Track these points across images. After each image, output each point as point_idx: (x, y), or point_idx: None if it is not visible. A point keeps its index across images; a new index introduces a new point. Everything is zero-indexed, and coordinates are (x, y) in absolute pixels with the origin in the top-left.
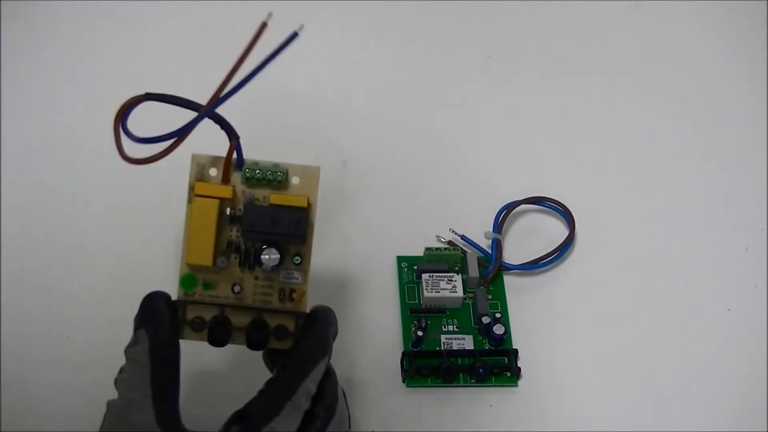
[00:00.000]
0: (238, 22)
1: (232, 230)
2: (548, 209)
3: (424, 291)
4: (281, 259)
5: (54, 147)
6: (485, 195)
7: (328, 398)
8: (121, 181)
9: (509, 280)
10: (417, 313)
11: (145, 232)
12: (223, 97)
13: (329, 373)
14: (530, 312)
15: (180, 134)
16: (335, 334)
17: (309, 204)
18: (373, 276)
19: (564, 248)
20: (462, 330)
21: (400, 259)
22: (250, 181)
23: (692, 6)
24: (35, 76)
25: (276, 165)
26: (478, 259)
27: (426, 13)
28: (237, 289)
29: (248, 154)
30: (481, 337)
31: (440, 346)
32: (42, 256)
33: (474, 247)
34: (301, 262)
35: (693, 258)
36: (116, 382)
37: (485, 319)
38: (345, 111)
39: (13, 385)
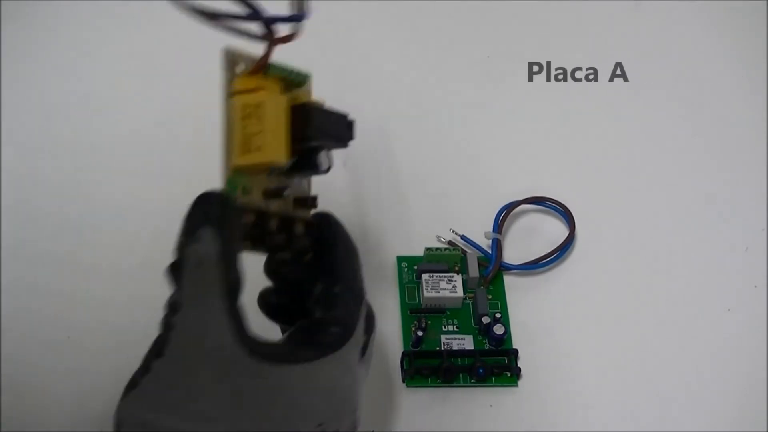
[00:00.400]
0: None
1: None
2: (548, 209)
3: (424, 291)
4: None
5: (54, 147)
6: (485, 195)
7: (345, 273)
8: (123, 181)
9: (509, 280)
10: (417, 313)
11: (146, 233)
12: None
13: (336, 234)
14: (530, 312)
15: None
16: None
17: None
18: (373, 276)
19: (564, 248)
20: (462, 330)
21: (400, 259)
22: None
23: (692, 6)
24: (35, 76)
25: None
26: (478, 259)
27: (426, 13)
28: (286, 192)
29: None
30: (481, 337)
31: (440, 346)
32: (42, 256)
33: (474, 247)
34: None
35: (693, 258)
36: (171, 296)
37: (485, 319)
38: (345, 111)
39: (14, 385)
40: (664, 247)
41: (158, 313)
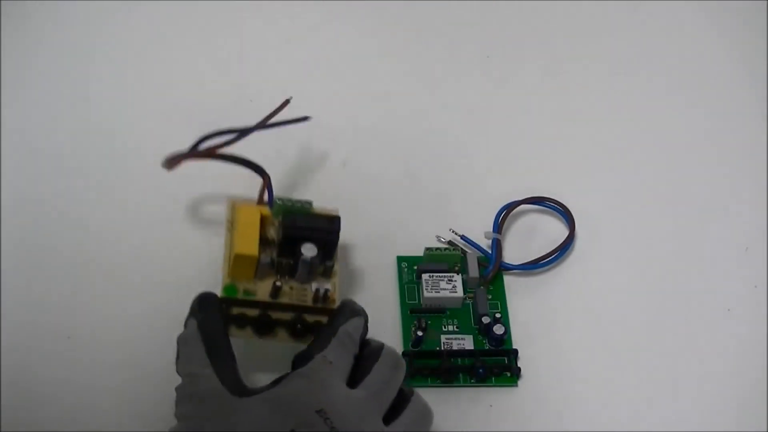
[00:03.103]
0: (240, 21)
1: (267, 251)
2: (548, 209)
3: (424, 291)
4: (317, 257)
5: (54, 147)
6: (485, 195)
7: (373, 345)
8: (123, 181)
9: (509, 280)
10: (417, 313)
11: (147, 231)
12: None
13: (376, 350)
14: (530, 312)
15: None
16: (365, 317)
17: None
18: (373, 276)
19: (564, 248)
20: (462, 330)
21: (400, 259)
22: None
23: (692, 6)
24: (35, 76)
25: (302, 201)
26: (478, 259)
27: (426, 13)
28: (279, 284)
29: (248, 154)
30: (481, 337)
31: (440, 346)
32: (43, 255)
33: (474, 247)
34: (332, 266)
35: (693, 258)
36: (176, 368)
37: (485, 319)
38: (345, 111)
39: (14, 385)
40: (664, 247)
41: (158, 312)
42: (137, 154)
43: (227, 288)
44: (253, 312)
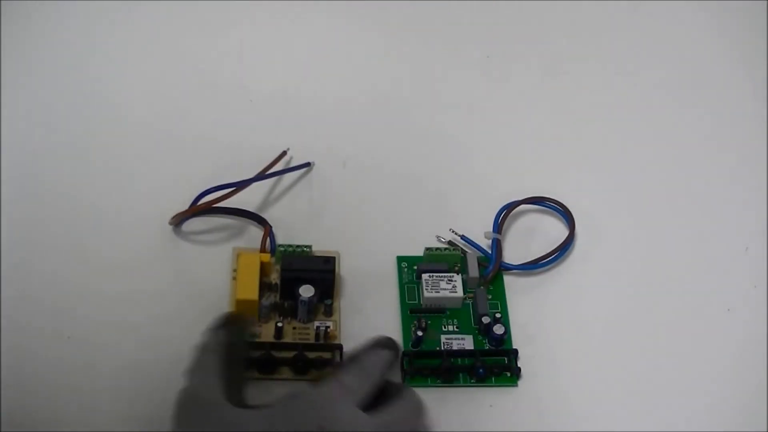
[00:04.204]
0: (240, 21)
1: (269, 295)
2: (548, 209)
3: (424, 291)
4: (314, 297)
5: (54, 147)
6: (485, 195)
7: (399, 386)
8: (122, 181)
9: (509, 280)
10: (417, 313)
11: (146, 232)
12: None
13: (401, 388)
14: (530, 312)
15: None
16: (396, 352)
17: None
18: (373, 276)
19: (564, 248)
20: (462, 330)
21: (400, 259)
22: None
23: (692, 6)
24: (35, 76)
25: (302, 245)
26: (478, 259)
27: (426, 13)
28: (280, 324)
29: (248, 152)
30: (481, 337)
31: (440, 346)
32: (43, 256)
33: (474, 247)
34: (331, 304)
35: (693, 258)
36: (185, 372)
37: (485, 319)
38: (345, 111)
39: (13, 385)
40: (664, 247)
41: (158, 312)
42: (138, 154)
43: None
44: (256, 353)
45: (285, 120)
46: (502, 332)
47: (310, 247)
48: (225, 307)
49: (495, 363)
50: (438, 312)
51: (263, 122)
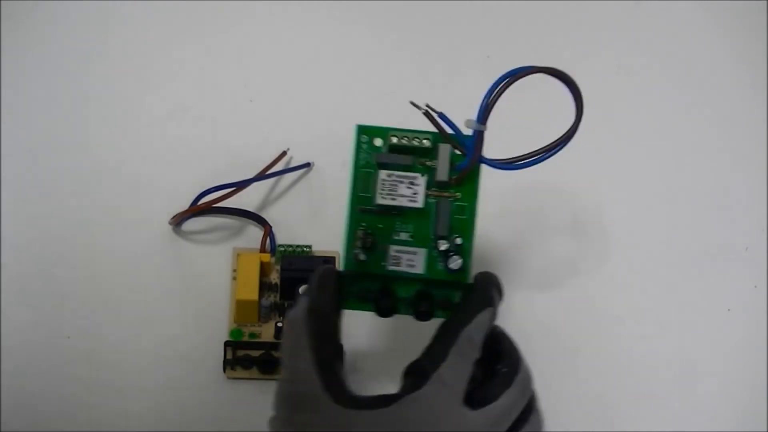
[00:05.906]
0: (240, 21)
1: (269, 295)
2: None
3: (378, 195)
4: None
5: (54, 147)
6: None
7: (508, 357)
8: (122, 181)
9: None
10: (366, 213)
11: (147, 232)
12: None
13: (502, 334)
14: (530, 312)
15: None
16: (500, 291)
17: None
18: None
19: (562, 143)
20: (416, 241)
21: (361, 130)
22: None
23: (692, 6)
24: (35, 76)
25: (302, 245)
26: (451, 154)
27: (426, 12)
28: (280, 324)
29: (248, 152)
30: (435, 254)
31: (385, 260)
32: (42, 256)
33: (452, 128)
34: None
35: (693, 258)
36: (279, 350)
37: (442, 244)
38: (345, 111)
39: (13, 385)
40: (663, 246)
41: (158, 312)
42: (138, 154)
43: (233, 332)
44: (257, 353)
45: (285, 120)
46: (458, 267)
47: (310, 247)
48: (225, 307)
49: (445, 298)
50: (392, 213)
51: (263, 122)
